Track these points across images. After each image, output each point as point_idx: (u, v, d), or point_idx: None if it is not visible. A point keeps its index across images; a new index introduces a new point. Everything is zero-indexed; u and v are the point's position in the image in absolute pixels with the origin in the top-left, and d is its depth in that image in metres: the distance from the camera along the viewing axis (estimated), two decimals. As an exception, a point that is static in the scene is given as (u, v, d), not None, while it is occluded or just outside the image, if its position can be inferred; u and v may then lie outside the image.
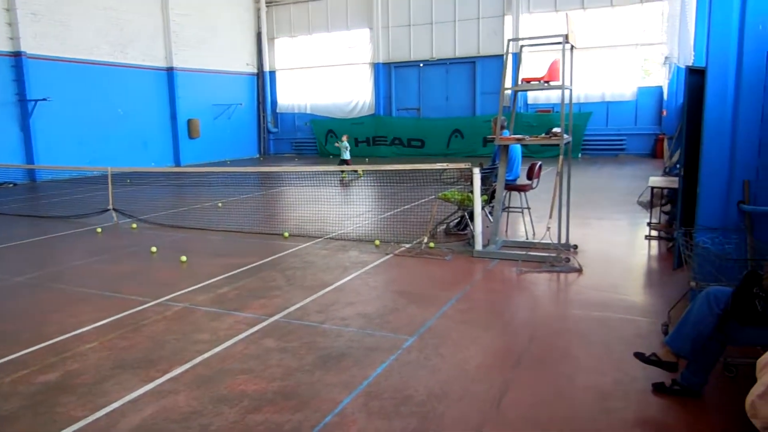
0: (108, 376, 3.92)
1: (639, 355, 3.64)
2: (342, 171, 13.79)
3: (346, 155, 16.07)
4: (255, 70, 25.76)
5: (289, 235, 8.17)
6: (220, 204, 11.32)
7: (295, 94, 25.83)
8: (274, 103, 26.26)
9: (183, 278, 6.22)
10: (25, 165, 16.57)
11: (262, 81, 25.89)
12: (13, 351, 4.34)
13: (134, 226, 9.32)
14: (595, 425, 3.20)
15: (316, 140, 25.05)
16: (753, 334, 3.19)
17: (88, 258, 7.33)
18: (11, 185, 16.02)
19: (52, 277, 6.49)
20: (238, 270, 6.47)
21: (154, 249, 7.53)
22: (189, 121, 22.10)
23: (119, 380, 3.84)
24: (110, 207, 9.84)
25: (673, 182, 7.09)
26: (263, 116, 26.05)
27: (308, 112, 25.49)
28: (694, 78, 5.28)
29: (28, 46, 16.88)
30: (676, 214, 6.04)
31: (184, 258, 6.97)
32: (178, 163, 21.59)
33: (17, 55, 16.74)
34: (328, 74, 24.93)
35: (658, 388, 3.51)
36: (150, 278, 6.41)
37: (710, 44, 4.62)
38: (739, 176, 4.53)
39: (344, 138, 16.46)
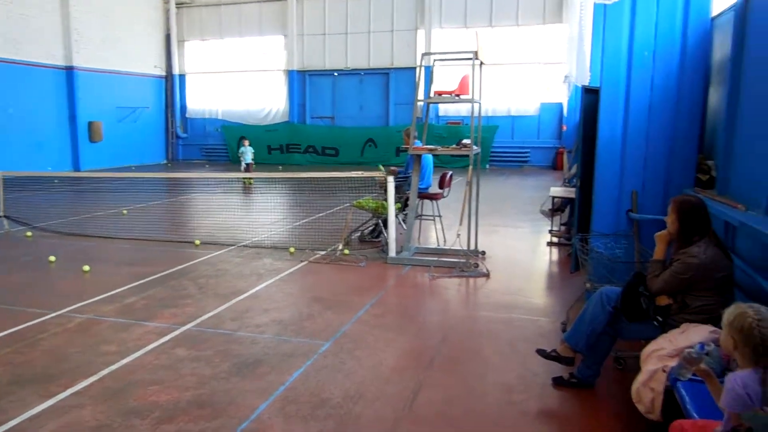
0: (4, 393, 3.68)
1: (540, 352, 3.90)
2: (244, 177, 13.81)
3: (248, 159, 15.77)
4: (163, 73, 24.81)
5: (201, 243, 7.97)
6: (124, 211, 10.82)
7: (205, 99, 25.12)
8: (183, 107, 25.39)
9: (86, 289, 5.92)
10: None
11: (170, 84, 24.97)
12: None
13: (29, 234, 8.71)
14: (501, 417, 3.41)
15: (228, 147, 24.46)
16: (639, 329, 3.52)
17: (-23, 268, 6.80)
18: None
19: (-65, 289, 5.97)
20: (147, 279, 6.25)
21: (52, 258, 7.09)
22: (90, 124, 20.89)
23: (17, 397, 3.62)
24: (1, 214, 9.16)
25: (571, 192, 7.61)
26: (171, 121, 25.12)
27: (220, 117, 24.87)
28: (590, 97, 5.73)
29: None
30: (573, 222, 6.49)
31: (86, 267, 6.63)
32: (77, 168, 20.34)
33: None
34: (240, 80, 24.47)
35: (557, 382, 3.78)
36: (49, 289, 6.05)
37: (603, 67, 5.06)
38: (628, 187, 4.97)
39: (246, 142, 16.14)
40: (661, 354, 3.06)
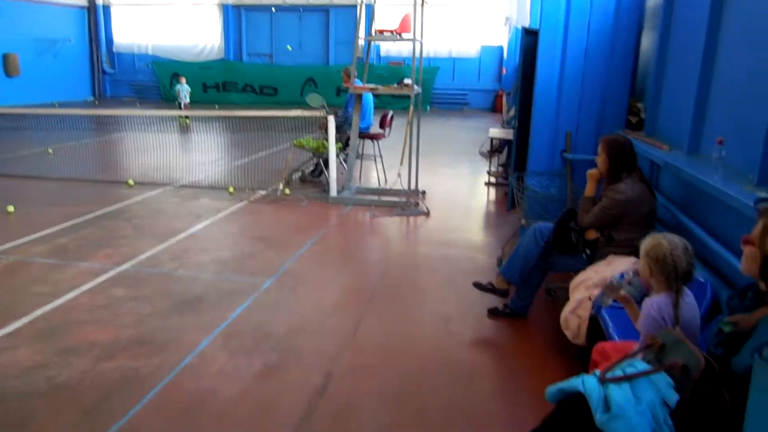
0: (-72, 334, 3.54)
1: (477, 285, 4.08)
2: (180, 116, 13.32)
3: (186, 99, 15.16)
4: (85, 3, 23.07)
5: (135, 183, 7.69)
6: (50, 150, 10.24)
7: (134, 33, 23.58)
8: (109, 41, 23.79)
9: (12, 230, 5.65)
10: None
11: (94, 16, 23.26)
12: None
13: (-56, 173, 8.16)
14: (440, 345, 3.57)
15: (159, 83, 23.29)
16: (569, 262, 3.72)
17: None
18: None
19: None
20: (79, 220, 6.01)
21: (-28, 198, 6.70)
22: (5, 56, 19.34)
23: (-57, 338, 3.49)
24: None
25: (509, 134, 7.77)
26: (97, 55, 23.56)
27: (150, 53, 23.48)
28: (529, 39, 5.78)
29: None
30: (511, 163, 6.67)
31: (11, 208, 6.30)
32: (-7, 104, 18.93)
33: None
34: (172, 13, 23.04)
35: (492, 312, 3.98)
36: (-30, 230, 5.73)
37: (543, 9, 5.10)
38: (563, 127, 5.12)
39: (182, 80, 15.45)
40: (588, 284, 3.27)
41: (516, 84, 7.79)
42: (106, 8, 23.55)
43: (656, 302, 2.25)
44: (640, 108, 5.01)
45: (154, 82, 23.50)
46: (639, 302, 2.61)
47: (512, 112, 9.98)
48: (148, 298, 4.15)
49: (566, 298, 3.37)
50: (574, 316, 3.20)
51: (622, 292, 2.48)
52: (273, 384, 3.09)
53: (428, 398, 2.99)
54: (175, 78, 22.30)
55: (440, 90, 21.31)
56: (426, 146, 9.09)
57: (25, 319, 3.77)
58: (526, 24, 9.82)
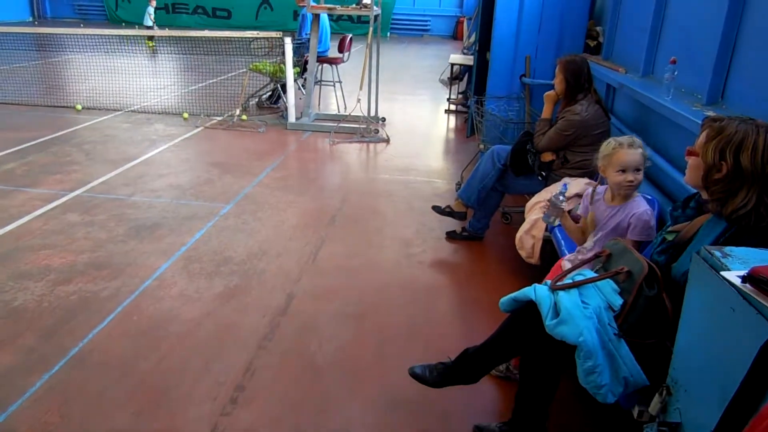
0: None
1: (436, 208, 4.15)
2: (147, 39, 12.94)
3: (149, 22, 14.43)
4: None
5: (83, 108, 7.37)
6: (-12, 73, 9.64)
7: (72, -54, 21.89)
8: (45, -46, 22.06)
9: (-48, 155, 5.39)
10: None
11: (26, -75, 21.39)
12: None
13: None
14: (399, 266, 3.66)
15: (105, 3, 21.90)
16: (525, 184, 3.80)
17: None
18: None
19: None
20: (24, 145, 5.76)
21: None
22: (-71, -30, 17.76)
23: None
24: None
25: (470, 60, 7.68)
26: (33, -30, 21.85)
27: (92, -31, 21.93)
28: (490, -42, 5.62)
29: None
30: (470, 88, 6.63)
31: (-51, 133, 5.99)
32: None
33: None
34: (112, -76, 21.40)
35: (450, 235, 4.08)
36: None
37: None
38: (523, 52, 5.10)
39: (152, 2, 14.61)
40: (542, 205, 3.36)
41: (477, 8, 7.64)
42: None
43: (647, 209, 2.34)
44: (599, 32, 5.01)
45: (99, 2, 22.08)
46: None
47: (473, 39, 9.85)
48: (103, 223, 4.07)
49: (522, 222, 3.46)
50: (528, 236, 3.31)
51: (564, 206, 2.53)
52: (234, 305, 3.13)
53: (388, 316, 3.08)
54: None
55: (400, 16, 20.76)
56: (386, 74, 8.96)
57: (-26, 246, 3.66)
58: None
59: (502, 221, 4.37)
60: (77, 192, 4.62)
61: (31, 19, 21.92)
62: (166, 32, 9.05)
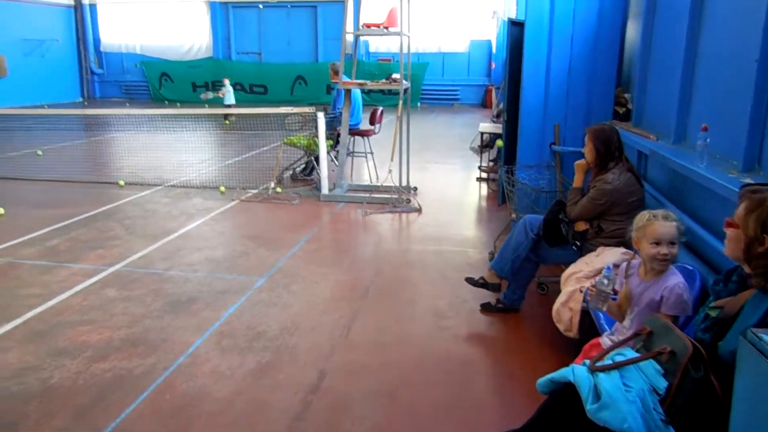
0: None
1: (469, 280, 4.09)
2: (225, 116, 13.69)
3: (231, 99, 15.03)
4: (71, 2, 22.87)
5: (125, 184, 7.67)
6: (39, 152, 10.18)
7: (121, 32, 23.43)
8: (96, 40, 23.63)
9: (1, 232, 5.61)
10: None
11: (80, 15, 23.09)
12: None
13: (-69, 177, 8.10)
14: (433, 340, 3.59)
15: (149, 83, 23.17)
16: (559, 254, 3.74)
17: None
18: None
19: None
20: (69, 221, 5.99)
21: (-39, 202, 6.65)
22: (-8, 58, 19.18)
23: (-66, 343, 3.47)
24: None
25: (499, 128, 7.78)
26: (85, 55, 23.38)
27: (138, 52, 23.34)
28: (515, 30, 5.80)
29: None
30: (500, 157, 6.68)
31: (0, 210, 6.27)
32: (-19, 107, 18.75)
33: None
34: (159, 11, 22.92)
35: (485, 307, 4.00)
36: (-41, 234, 5.70)
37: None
38: (551, 120, 5.15)
39: (226, 81, 15.26)
40: (579, 276, 3.29)
41: (504, 78, 7.82)
42: (93, 7, 23.38)
43: (683, 282, 2.26)
44: (627, 98, 5.04)
45: (144, 82, 23.38)
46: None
47: (501, 107, 10.02)
48: (140, 298, 4.14)
49: (558, 292, 3.38)
50: (565, 308, 3.22)
51: (609, 289, 2.44)
52: (266, 382, 3.09)
53: (422, 395, 3.00)
54: (165, 77, 22.22)
55: (430, 86, 21.32)
56: (417, 143, 9.11)
57: (16, 321, 3.75)
58: (513, 15, 9.84)
59: (538, 292, 4.27)
60: (117, 267, 4.73)
61: (81, 99, 23.29)
62: (206, 110, 9.48)
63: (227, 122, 14.03)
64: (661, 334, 1.84)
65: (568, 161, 4.84)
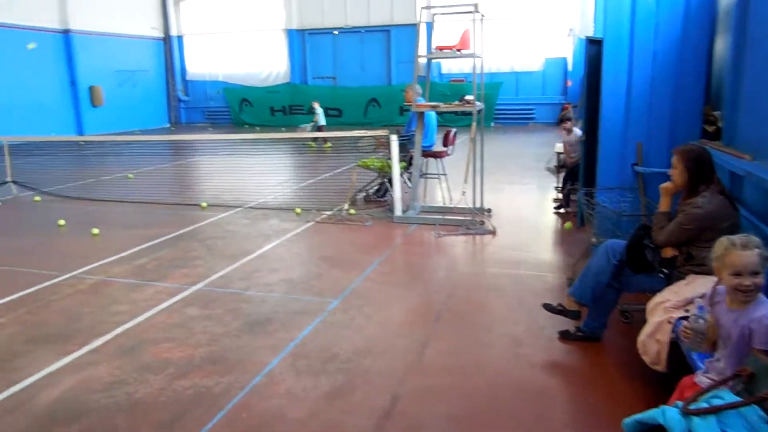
0: (21, 351, 3.78)
1: (547, 306, 3.94)
2: (315, 139, 14.16)
3: (322, 121, 15.48)
4: (161, 35, 24.44)
5: (207, 206, 8.01)
6: (130, 175, 10.85)
7: (205, 61, 24.78)
8: (183, 70, 25.10)
9: (96, 251, 5.99)
10: None
11: (169, 46, 24.63)
12: None
13: (37, 198, 8.78)
14: (508, 368, 3.48)
15: (230, 109, 24.29)
16: (643, 281, 3.54)
17: (-13, 234, 6.87)
18: None
19: (-53, 255, 6.06)
20: (156, 241, 6.31)
21: (61, 222, 7.17)
22: (91, 88, 20.73)
23: (34, 356, 3.71)
24: (9, 179, 9.20)
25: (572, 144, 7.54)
26: (172, 84, 24.86)
27: (220, 80, 24.57)
28: (594, 48, 5.63)
29: None
30: (579, 178, 6.46)
31: (95, 230, 6.70)
32: (81, 133, 20.26)
33: None
34: (240, 40, 24.07)
35: (563, 335, 3.84)
36: (59, 252, 6.12)
37: (606, 16, 4.95)
38: (633, 139, 4.93)
39: (316, 104, 15.80)
40: (667, 306, 3.09)
41: (582, 96, 7.59)
42: (180, 38, 24.85)
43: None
44: (717, 116, 4.75)
45: (225, 108, 24.53)
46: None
47: (579, 125, 9.73)
48: (220, 317, 4.27)
49: (643, 321, 3.19)
50: (652, 340, 3.03)
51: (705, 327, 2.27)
52: (340, 405, 3.10)
53: (497, 423, 2.91)
54: (245, 103, 23.16)
55: (504, 105, 21.07)
56: (491, 163, 8.98)
57: (107, 336, 3.97)
58: (590, 33, 9.58)
59: (622, 320, 4.06)
60: (198, 286, 4.92)
61: (168, 125, 24.70)
62: (283, 134, 9.78)
63: (313, 145, 14.38)
64: (764, 376, 1.68)
65: (652, 183, 4.60)
